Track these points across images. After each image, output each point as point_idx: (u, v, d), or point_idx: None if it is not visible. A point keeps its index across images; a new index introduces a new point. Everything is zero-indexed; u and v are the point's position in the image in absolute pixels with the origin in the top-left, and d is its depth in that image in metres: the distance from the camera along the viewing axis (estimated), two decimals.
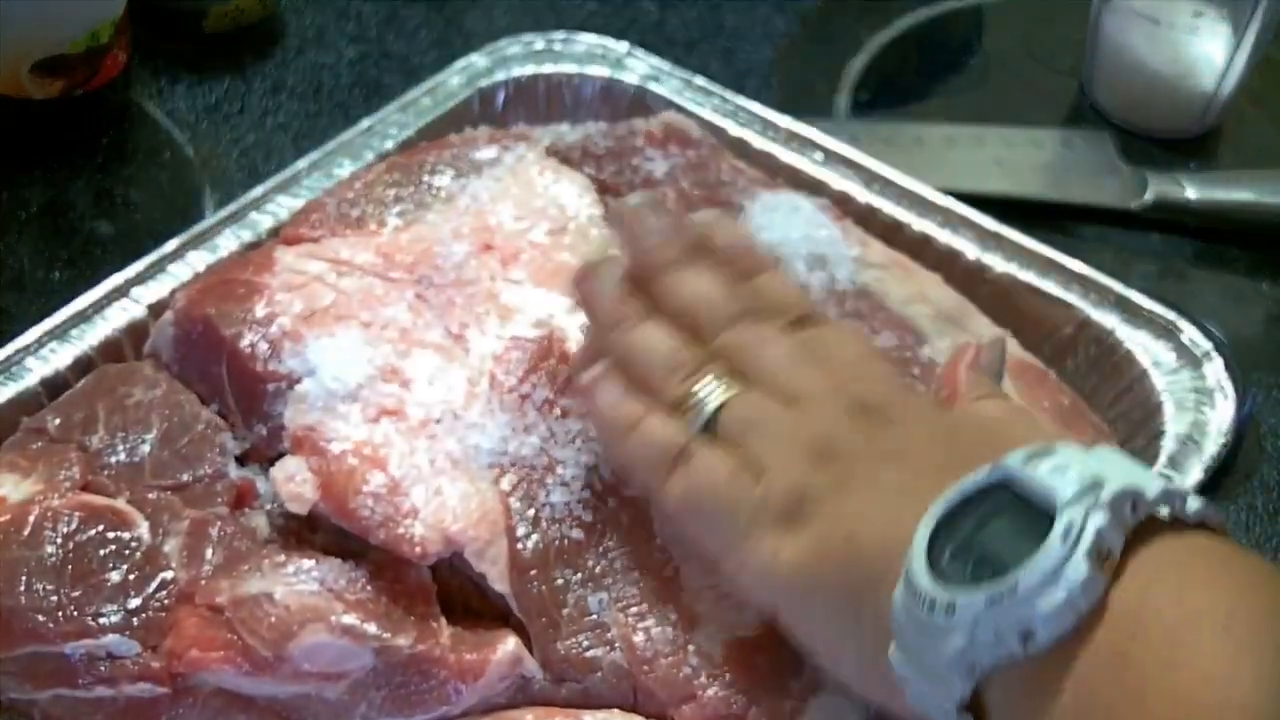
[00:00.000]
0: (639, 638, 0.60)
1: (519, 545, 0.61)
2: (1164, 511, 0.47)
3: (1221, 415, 0.73)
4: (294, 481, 0.61)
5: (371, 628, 0.58)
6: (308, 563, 0.60)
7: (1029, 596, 0.44)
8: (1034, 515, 0.46)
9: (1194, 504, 0.47)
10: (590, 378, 0.61)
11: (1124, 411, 0.76)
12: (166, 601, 0.59)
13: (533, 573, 0.60)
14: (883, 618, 0.48)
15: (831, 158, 0.84)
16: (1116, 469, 0.46)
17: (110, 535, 0.60)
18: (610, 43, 0.90)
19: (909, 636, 0.47)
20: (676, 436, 0.58)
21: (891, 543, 0.49)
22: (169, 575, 0.60)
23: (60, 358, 0.70)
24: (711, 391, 0.58)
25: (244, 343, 0.65)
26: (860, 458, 0.55)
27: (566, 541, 0.61)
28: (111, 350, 0.72)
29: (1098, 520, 0.45)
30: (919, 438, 0.55)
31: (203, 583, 0.59)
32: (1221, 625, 0.44)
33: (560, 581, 0.61)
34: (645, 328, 0.61)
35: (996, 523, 0.47)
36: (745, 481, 0.56)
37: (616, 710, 0.59)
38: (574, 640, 0.60)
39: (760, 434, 0.57)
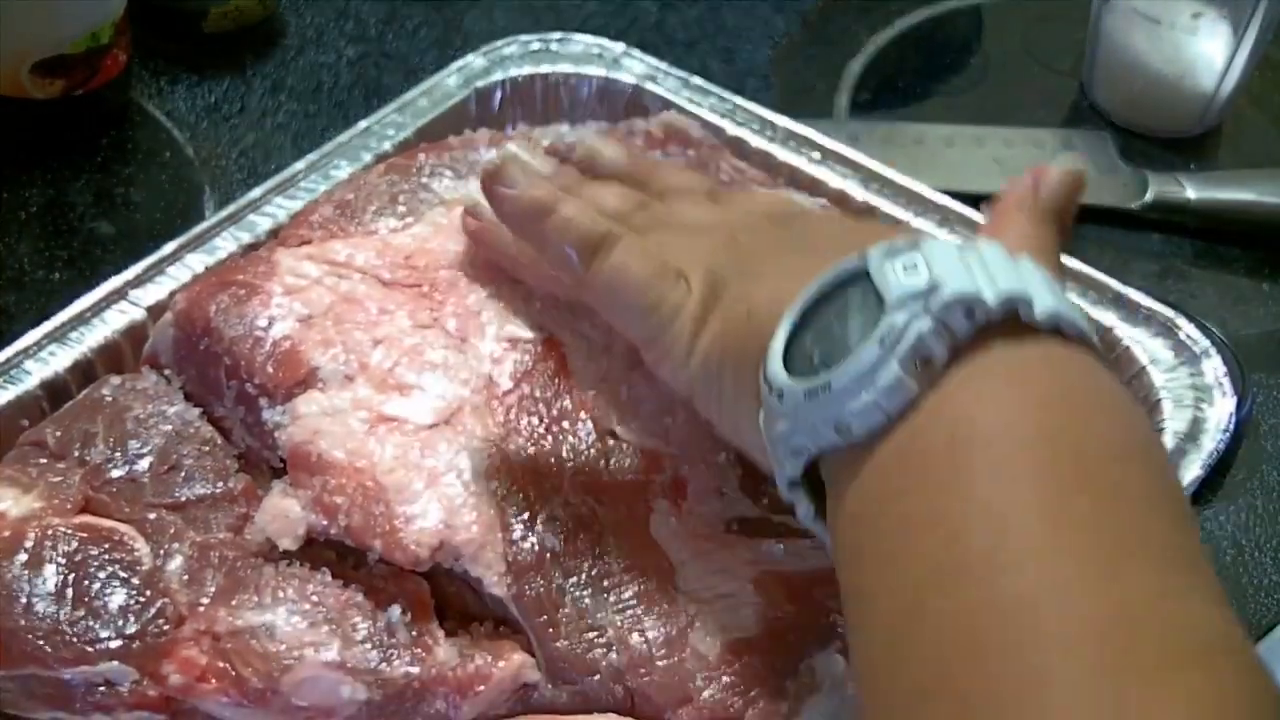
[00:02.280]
0: (635, 639, 0.60)
1: (516, 549, 0.61)
2: (1030, 317, 0.46)
3: (1220, 412, 0.73)
4: (282, 519, 0.61)
5: (366, 662, 0.58)
6: (308, 587, 0.60)
7: (841, 395, 0.46)
8: (878, 312, 0.47)
9: (1044, 309, 0.46)
10: (489, 167, 0.62)
11: None
12: (165, 627, 0.59)
13: (530, 575, 0.60)
14: None
15: (829, 156, 0.84)
16: (959, 273, 0.46)
17: (110, 558, 0.60)
18: (607, 43, 0.90)
19: (765, 412, 0.50)
20: (599, 223, 0.59)
21: (779, 320, 0.50)
22: (168, 601, 0.59)
23: (59, 360, 0.70)
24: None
25: (244, 348, 0.65)
26: (769, 250, 0.57)
27: (563, 544, 0.61)
28: (111, 353, 0.71)
29: (920, 326, 0.45)
30: (829, 233, 0.57)
31: (201, 609, 0.59)
32: (1017, 444, 0.44)
33: (557, 584, 0.61)
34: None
35: (852, 316, 0.48)
36: (668, 277, 0.57)
37: (613, 715, 0.59)
38: (573, 641, 0.60)
39: (677, 239, 0.59)
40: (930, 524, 0.44)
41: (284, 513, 0.61)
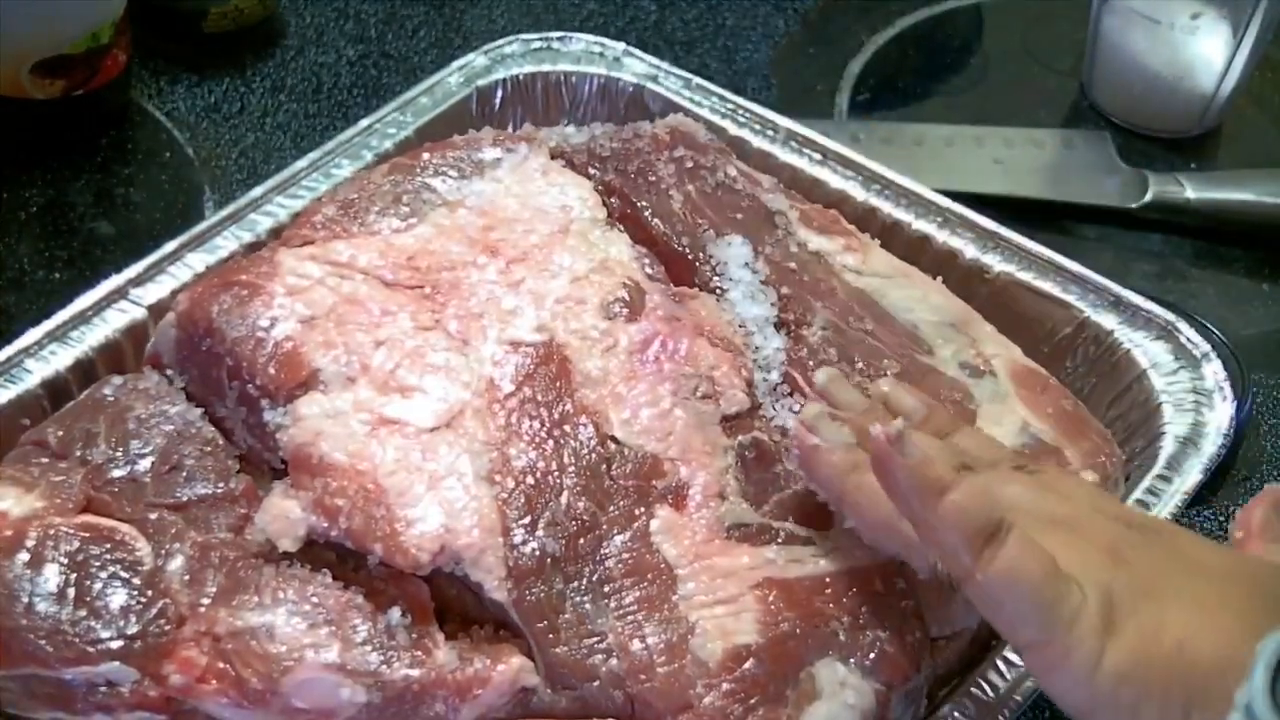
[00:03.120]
0: (636, 645, 0.60)
1: (516, 553, 0.61)
2: None
3: (1220, 416, 0.73)
4: (283, 520, 0.61)
5: (366, 664, 0.58)
6: (308, 589, 0.60)
7: None
8: None
9: None
10: (890, 432, 0.57)
11: (1122, 413, 0.76)
12: (166, 628, 0.59)
13: (530, 580, 0.60)
14: None
15: (830, 157, 0.84)
16: None
17: (112, 558, 0.60)
18: (607, 42, 0.90)
19: None
20: (994, 510, 0.55)
21: (1227, 660, 0.49)
22: (169, 601, 0.59)
23: (60, 359, 0.70)
24: None
25: (246, 349, 0.65)
26: (1156, 565, 0.55)
27: (564, 549, 0.61)
28: (111, 352, 0.71)
29: None
30: (1211, 556, 0.55)
31: (202, 610, 0.59)
32: None
33: (557, 590, 0.61)
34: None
35: None
36: (1064, 580, 0.54)
37: None
38: (573, 646, 0.60)
39: (1063, 537, 0.55)
40: None
41: (285, 514, 0.61)
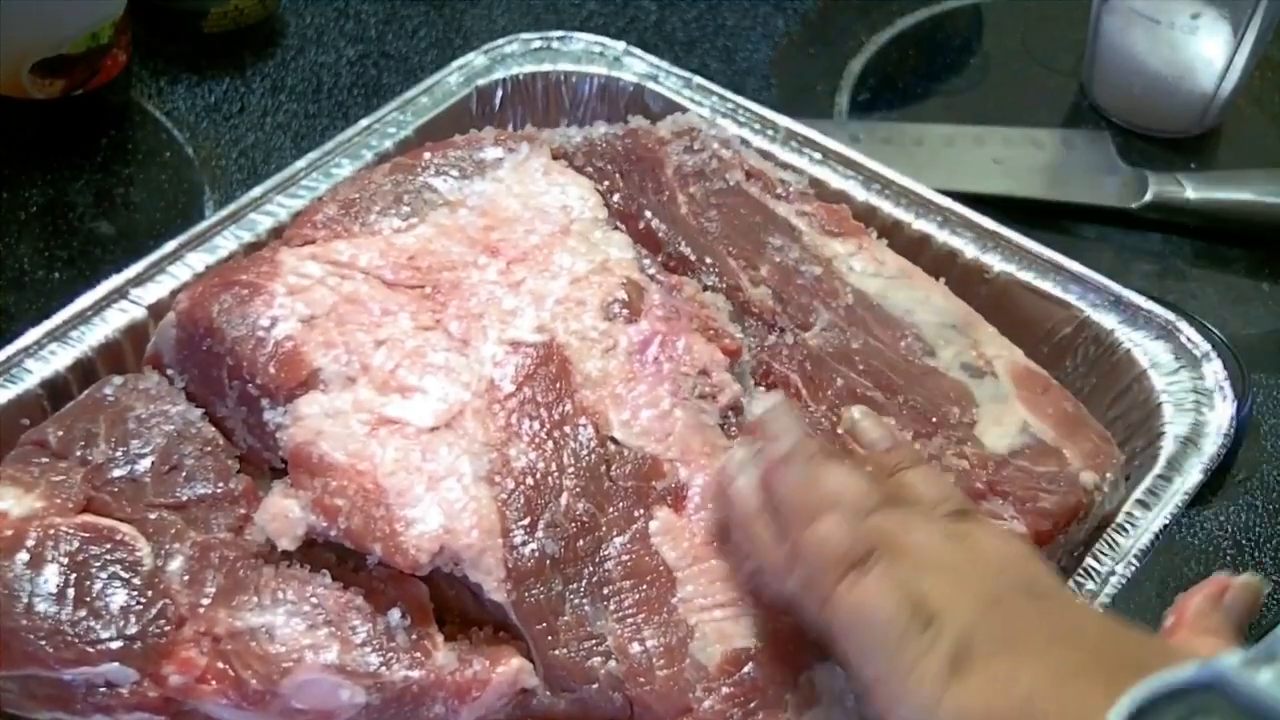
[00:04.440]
0: (635, 648, 0.60)
1: (516, 554, 0.60)
2: None
3: (1220, 416, 0.72)
4: (282, 519, 0.61)
5: (365, 665, 0.58)
6: (308, 589, 0.60)
7: None
8: None
9: None
10: (779, 452, 0.60)
11: (1123, 413, 0.76)
12: (165, 628, 0.59)
13: (530, 581, 0.60)
14: None
15: (830, 157, 0.84)
16: None
17: (112, 558, 0.60)
18: (608, 41, 0.90)
19: None
20: (859, 544, 0.56)
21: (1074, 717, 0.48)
22: (169, 601, 0.59)
23: (60, 359, 0.70)
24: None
25: (246, 348, 0.65)
26: (1033, 628, 0.53)
27: (563, 550, 0.61)
28: (111, 352, 0.71)
29: None
30: (1094, 627, 0.55)
31: (202, 610, 0.59)
32: None
33: (556, 591, 0.60)
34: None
35: None
36: (918, 620, 0.53)
37: None
38: (572, 648, 0.59)
39: (935, 577, 0.55)
40: None
41: (284, 513, 0.61)
